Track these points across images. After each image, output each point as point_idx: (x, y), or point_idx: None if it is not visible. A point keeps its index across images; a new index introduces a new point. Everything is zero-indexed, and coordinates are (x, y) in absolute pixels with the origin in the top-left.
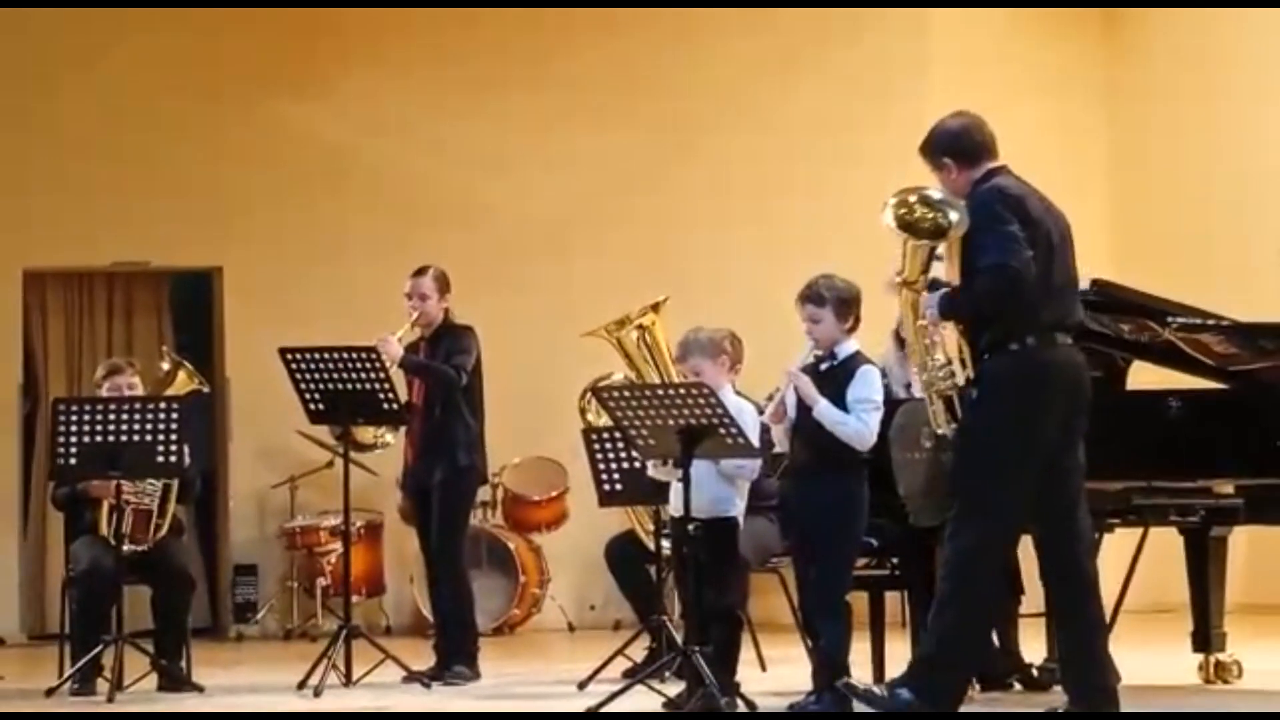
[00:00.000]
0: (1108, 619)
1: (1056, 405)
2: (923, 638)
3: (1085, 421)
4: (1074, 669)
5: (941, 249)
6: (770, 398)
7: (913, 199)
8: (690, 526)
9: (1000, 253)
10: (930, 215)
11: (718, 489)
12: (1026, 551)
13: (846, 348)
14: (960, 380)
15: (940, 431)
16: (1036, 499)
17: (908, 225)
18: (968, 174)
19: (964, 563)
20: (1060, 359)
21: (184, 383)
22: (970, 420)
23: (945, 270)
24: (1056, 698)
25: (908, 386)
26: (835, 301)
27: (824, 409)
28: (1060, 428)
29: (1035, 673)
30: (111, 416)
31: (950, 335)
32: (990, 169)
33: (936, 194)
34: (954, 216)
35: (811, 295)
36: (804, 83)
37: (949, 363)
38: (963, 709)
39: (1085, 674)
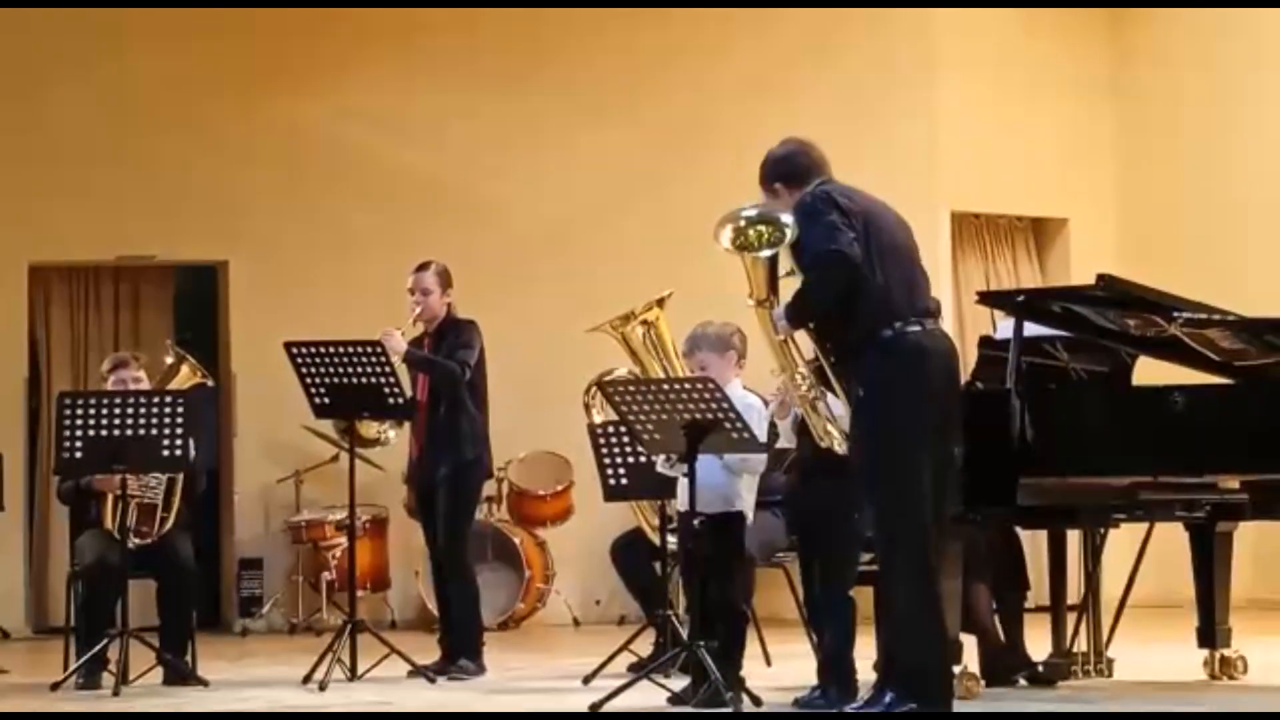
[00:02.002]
0: (1115, 614)
1: (937, 388)
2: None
3: (958, 408)
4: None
5: (787, 265)
6: (777, 393)
7: (742, 222)
8: (695, 521)
9: (821, 241)
10: (763, 230)
11: (725, 484)
12: (1035, 547)
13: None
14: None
15: (823, 444)
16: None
17: (744, 246)
18: (798, 194)
19: (906, 566)
20: (934, 343)
21: (188, 376)
22: (862, 424)
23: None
24: (1062, 693)
25: None
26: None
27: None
28: (941, 412)
29: (1040, 668)
30: (116, 411)
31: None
32: (819, 183)
33: (757, 211)
34: (785, 223)
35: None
36: (811, 83)
37: (812, 373)
38: (966, 709)
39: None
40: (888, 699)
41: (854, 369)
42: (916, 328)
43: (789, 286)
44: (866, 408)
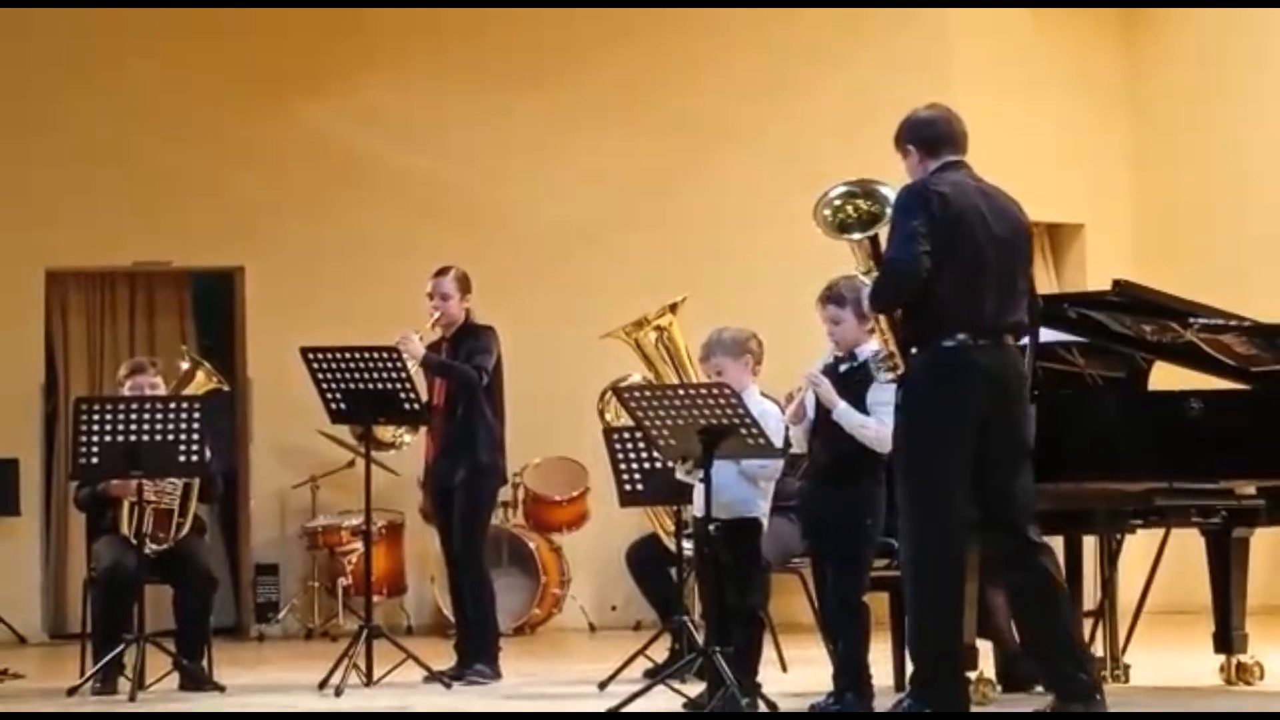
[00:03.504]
0: (1131, 620)
1: (974, 407)
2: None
3: (1012, 423)
4: (1050, 669)
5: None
6: (789, 397)
7: (838, 200)
8: (711, 527)
9: (895, 248)
10: (862, 205)
11: (741, 490)
12: None
13: (867, 349)
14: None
15: None
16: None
17: (843, 226)
18: (927, 163)
19: (924, 563)
20: (984, 360)
21: (203, 382)
22: (898, 417)
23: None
24: None
25: None
26: (856, 302)
27: (843, 412)
28: (981, 431)
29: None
30: (133, 416)
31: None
32: (948, 161)
33: (851, 186)
34: (885, 194)
35: (833, 296)
36: (828, 84)
37: (891, 354)
38: (978, 709)
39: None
40: (905, 704)
41: (907, 365)
42: (971, 343)
43: None
44: (903, 408)
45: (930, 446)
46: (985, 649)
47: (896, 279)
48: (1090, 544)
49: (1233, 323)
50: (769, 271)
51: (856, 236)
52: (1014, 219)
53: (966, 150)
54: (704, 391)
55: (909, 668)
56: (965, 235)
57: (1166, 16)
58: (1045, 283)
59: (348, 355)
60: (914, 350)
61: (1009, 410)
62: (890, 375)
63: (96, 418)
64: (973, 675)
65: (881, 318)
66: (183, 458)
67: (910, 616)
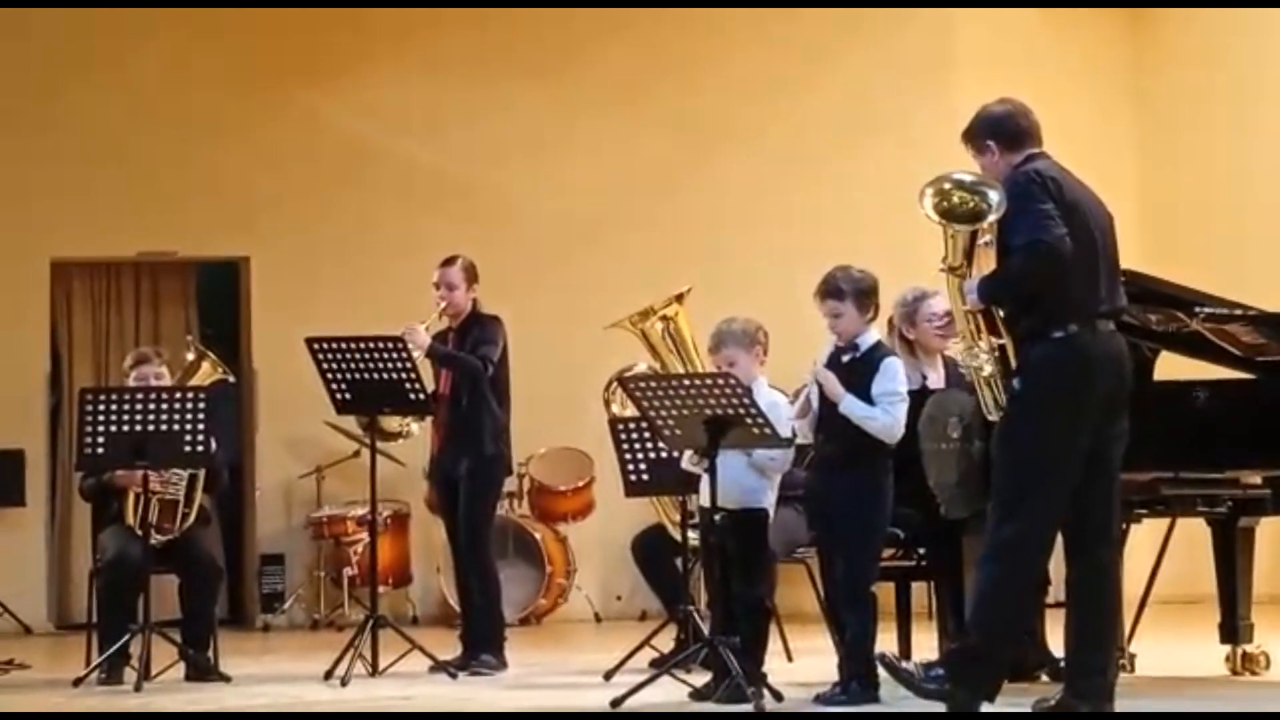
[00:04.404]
0: (1137, 610)
1: (1098, 396)
2: (961, 628)
3: (1125, 413)
4: (1077, 660)
5: (987, 235)
6: (798, 393)
7: (948, 185)
8: (717, 517)
9: (1033, 230)
10: (969, 199)
11: (748, 480)
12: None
13: (868, 339)
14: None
15: (991, 418)
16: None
17: (946, 212)
18: (1009, 158)
19: (1005, 555)
20: (1103, 348)
21: (208, 372)
22: (1011, 410)
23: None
24: None
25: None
26: (855, 293)
27: (849, 404)
28: (1103, 418)
29: (1062, 664)
30: (139, 406)
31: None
32: (1031, 154)
33: (970, 177)
34: (993, 198)
35: (831, 290)
36: (830, 82)
37: (995, 348)
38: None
39: (1087, 666)
40: (933, 673)
41: (1021, 359)
42: (1088, 330)
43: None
44: (1022, 400)
45: (1049, 445)
46: None
47: (1043, 260)
48: None
49: (1238, 312)
50: (769, 270)
51: (961, 227)
52: (1105, 206)
53: (1042, 144)
54: (710, 382)
55: (915, 656)
56: (1080, 221)
57: (1171, 16)
58: None
59: (352, 345)
60: (1032, 341)
61: (1122, 394)
62: (993, 370)
63: (102, 408)
64: None
65: (978, 313)
66: (188, 448)
67: (983, 604)
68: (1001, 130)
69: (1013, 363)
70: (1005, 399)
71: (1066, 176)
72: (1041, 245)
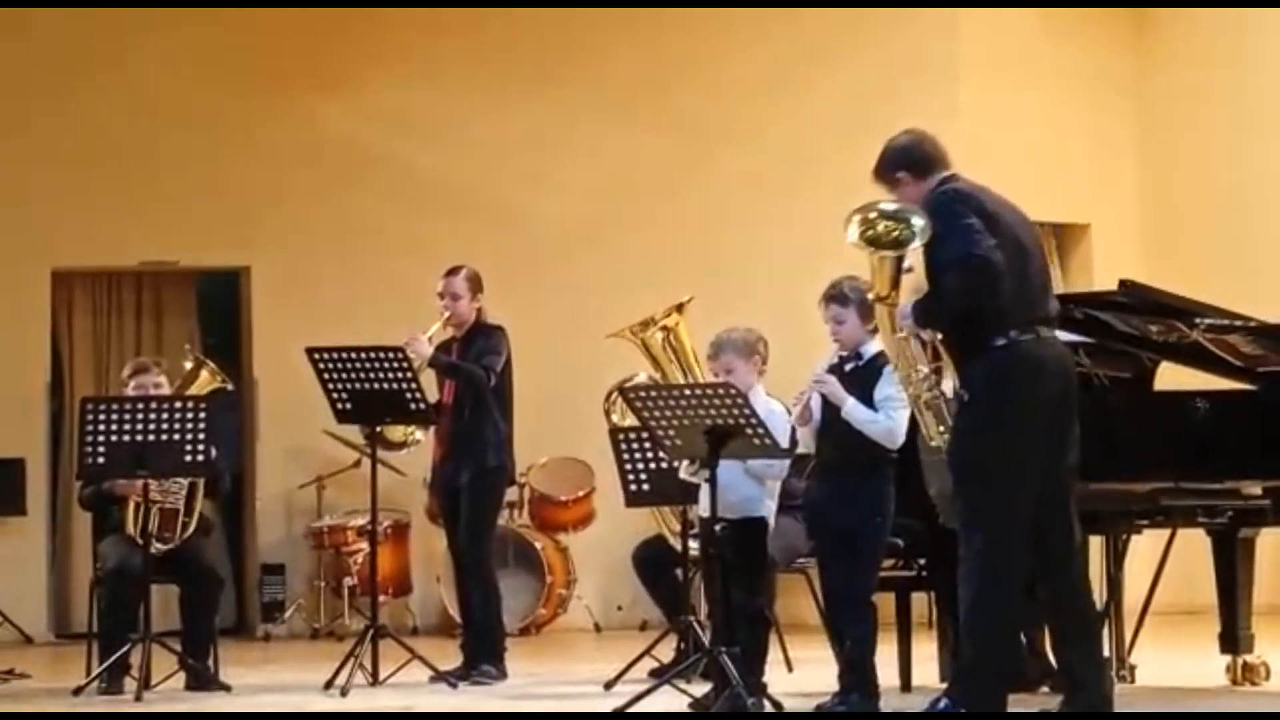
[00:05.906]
0: (1137, 620)
1: (1046, 397)
2: (960, 647)
3: (1075, 420)
4: (1071, 676)
5: (910, 260)
6: (796, 399)
7: (873, 214)
8: (717, 527)
9: (963, 245)
10: (893, 227)
11: (747, 489)
12: None
13: (870, 347)
14: (946, 388)
15: (934, 443)
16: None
17: (873, 240)
18: (922, 184)
19: (982, 565)
20: (1048, 351)
21: (206, 381)
22: (962, 424)
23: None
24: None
25: None
26: (859, 303)
27: (852, 408)
28: (1053, 422)
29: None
30: (139, 416)
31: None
32: (944, 176)
33: (894, 206)
34: (917, 224)
35: (836, 296)
36: (832, 83)
37: (931, 373)
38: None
39: (1081, 679)
40: (942, 704)
41: (964, 373)
42: (1030, 336)
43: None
44: (973, 410)
45: (1006, 450)
46: None
47: (976, 274)
48: (1096, 544)
49: (1238, 323)
50: (769, 271)
51: (887, 253)
52: (1027, 216)
53: (952, 167)
54: (710, 391)
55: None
56: (1006, 231)
57: (1173, 17)
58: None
59: (353, 355)
60: (975, 354)
61: (1071, 398)
62: (934, 393)
63: (102, 417)
64: None
65: (913, 337)
66: (188, 457)
67: (971, 617)
68: (909, 159)
69: (954, 382)
70: (951, 417)
71: (984, 191)
72: (973, 259)
